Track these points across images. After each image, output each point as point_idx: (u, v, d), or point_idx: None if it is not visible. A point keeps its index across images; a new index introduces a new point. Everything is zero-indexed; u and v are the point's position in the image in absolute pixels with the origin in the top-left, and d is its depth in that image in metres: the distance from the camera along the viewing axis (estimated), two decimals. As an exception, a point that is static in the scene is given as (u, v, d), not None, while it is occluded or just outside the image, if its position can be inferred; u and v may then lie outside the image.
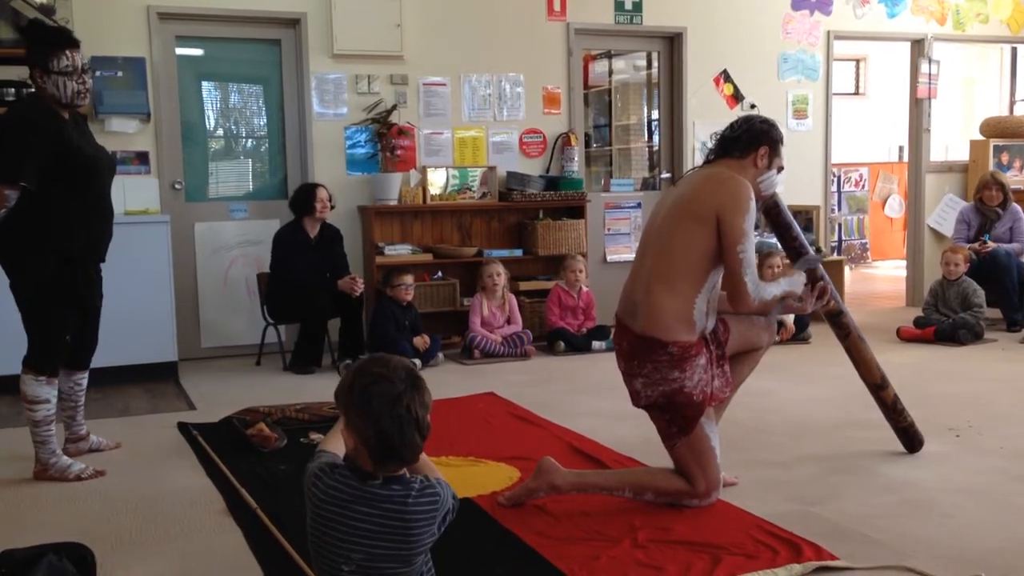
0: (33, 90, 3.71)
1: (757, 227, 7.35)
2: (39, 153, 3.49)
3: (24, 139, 3.49)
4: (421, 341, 5.96)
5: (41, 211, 3.55)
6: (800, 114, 7.83)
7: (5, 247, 3.61)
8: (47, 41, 3.57)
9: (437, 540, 2.09)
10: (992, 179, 7.33)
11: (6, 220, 3.52)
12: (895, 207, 11.87)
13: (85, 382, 4.05)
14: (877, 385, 3.74)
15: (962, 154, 8.79)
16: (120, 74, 6.01)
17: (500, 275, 6.29)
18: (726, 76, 7.57)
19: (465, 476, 3.64)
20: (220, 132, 6.67)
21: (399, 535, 1.99)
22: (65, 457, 3.79)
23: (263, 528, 3.07)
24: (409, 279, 6.06)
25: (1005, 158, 8.32)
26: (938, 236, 8.30)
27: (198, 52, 6.56)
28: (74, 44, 3.60)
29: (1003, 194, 7.26)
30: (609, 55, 9.04)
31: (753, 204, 3.11)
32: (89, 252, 3.75)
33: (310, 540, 2.08)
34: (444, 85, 6.81)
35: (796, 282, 3.32)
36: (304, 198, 6.02)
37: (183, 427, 4.46)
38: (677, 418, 3.13)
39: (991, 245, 7.00)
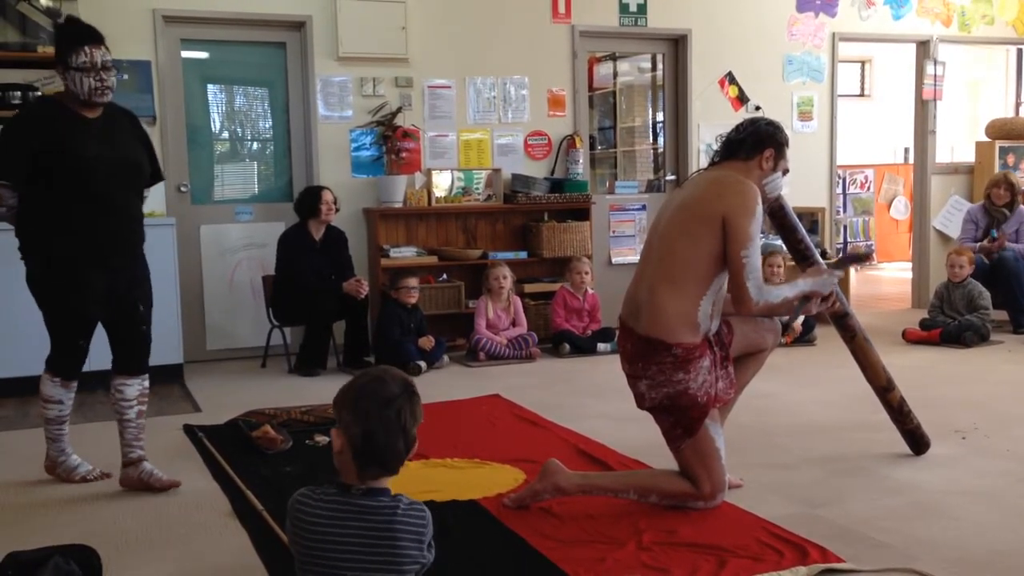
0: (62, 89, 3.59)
1: (762, 229, 7.35)
2: (23, 151, 3.41)
3: (12, 137, 3.46)
4: (426, 341, 5.97)
5: (37, 212, 3.48)
6: (805, 116, 7.82)
7: (20, 246, 3.57)
8: (68, 37, 3.50)
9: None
10: (1004, 178, 7.34)
11: (20, 220, 3.49)
12: (900, 209, 11.85)
13: (130, 392, 3.66)
14: (883, 387, 3.74)
15: (968, 156, 8.77)
16: (126, 77, 6.02)
17: (506, 278, 6.29)
18: (731, 78, 7.56)
19: (470, 478, 3.64)
20: (225, 135, 6.69)
21: (387, 547, 1.99)
22: (74, 457, 3.73)
23: (269, 530, 3.07)
24: (413, 281, 6.07)
25: (1011, 159, 8.31)
26: (944, 238, 8.29)
27: (203, 55, 6.57)
28: (94, 40, 3.47)
29: (1011, 194, 7.25)
30: (614, 57, 9.03)
31: (760, 208, 3.11)
32: (90, 256, 3.51)
33: (299, 567, 2.07)
34: (449, 88, 6.82)
35: (825, 283, 3.28)
36: (309, 201, 6.03)
37: (189, 429, 4.46)
38: (681, 420, 3.13)
39: (1004, 238, 6.98)
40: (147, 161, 3.69)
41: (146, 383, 3.73)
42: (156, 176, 3.80)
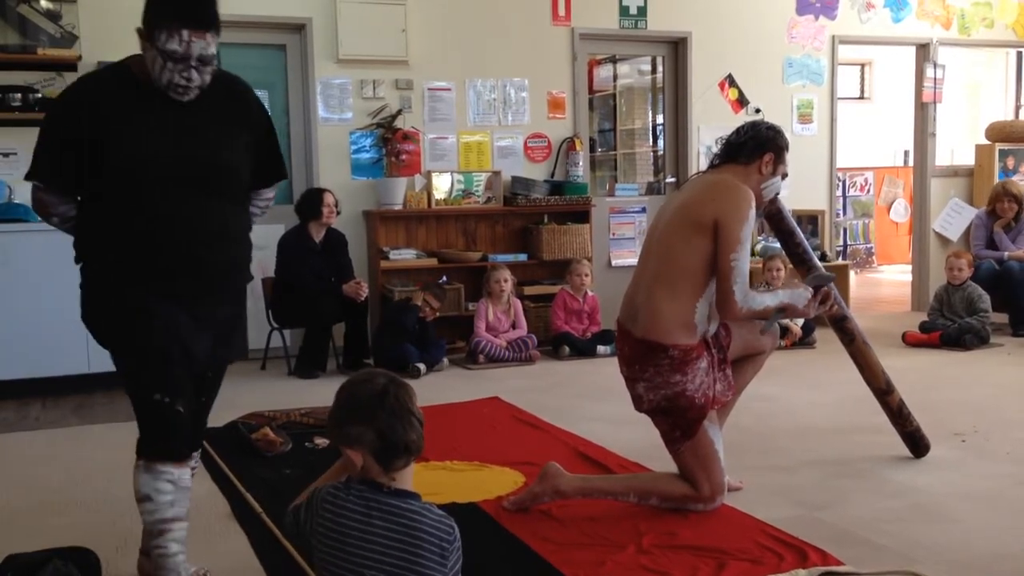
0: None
1: (762, 231, 7.36)
2: (60, 145, 2.50)
3: (50, 123, 2.55)
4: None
5: (91, 224, 2.57)
6: (805, 119, 7.83)
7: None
8: (165, 7, 2.52)
9: None
10: (1003, 190, 7.31)
11: (77, 233, 2.62)
12: (900, 212, 11.86)
13: (171, 482, 2.58)
14: (882, 390, 3.74)
15: (968, 158, 8.78)
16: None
17: (507, 281, 6.29)
18: (731, 80, 7.57)
19: (470, 481, 3.64)
20: (225, 137, 6.68)
21: (409, 552, 1.98)
22: None
23: (268, 532, 3.07)
24: (438, 303, 6.06)
25: (1011, 162, 8.31)
26: (943, 240, 8.29)
27: (204, 57, 6.56)
28: (198, 23, 2.47)
29: (1017, 203, 7.23)
30: (614, 59, 9.04)
31: (753, 213, 3.10)
32: (158, 288, 2.53)
33: (319, 566, 2.05)
34: (449, 90, 6.82)
35: (799, 296, 3.28)
36: (311, 203, 6.03)
37: (188, 431, 4.46)
38: (680, 422, 3.13)
39: None
40: (246, 157, 2.67)
41: (194, 463, 2.81)
42: (274, 174, 2.81)
